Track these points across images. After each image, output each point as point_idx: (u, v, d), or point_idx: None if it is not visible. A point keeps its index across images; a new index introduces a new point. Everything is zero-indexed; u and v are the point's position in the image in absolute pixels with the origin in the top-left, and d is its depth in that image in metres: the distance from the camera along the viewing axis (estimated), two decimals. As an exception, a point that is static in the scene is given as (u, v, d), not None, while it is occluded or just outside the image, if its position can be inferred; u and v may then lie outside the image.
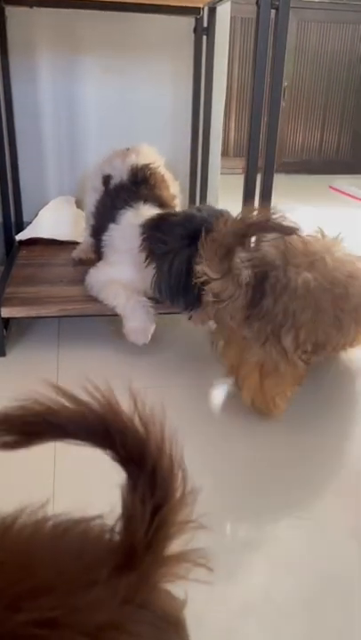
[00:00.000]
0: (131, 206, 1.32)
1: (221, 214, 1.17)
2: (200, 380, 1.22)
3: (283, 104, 3.89)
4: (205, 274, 0.98)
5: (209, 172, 1.85)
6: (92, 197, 1.45)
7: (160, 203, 1.34)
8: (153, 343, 1.28)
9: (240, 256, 0.97)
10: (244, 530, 0.83)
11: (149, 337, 1.26)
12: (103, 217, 1.37)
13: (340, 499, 0.90)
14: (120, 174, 1.39)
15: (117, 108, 1.82)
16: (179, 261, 1.17)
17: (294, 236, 0.99)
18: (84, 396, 0.42)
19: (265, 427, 1.07)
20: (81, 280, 1.37)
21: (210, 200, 1.91)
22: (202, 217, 1.18)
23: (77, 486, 0.90)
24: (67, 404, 0.41)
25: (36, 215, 1.77)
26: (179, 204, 1.47)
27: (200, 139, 1.83)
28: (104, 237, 1.33)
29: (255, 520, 0.85)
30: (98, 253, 1.39)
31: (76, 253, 1.56)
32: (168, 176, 1.45)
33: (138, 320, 1.24)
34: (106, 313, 1.27)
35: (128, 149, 1.46)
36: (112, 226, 1.33)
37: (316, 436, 1.05)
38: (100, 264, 1.35)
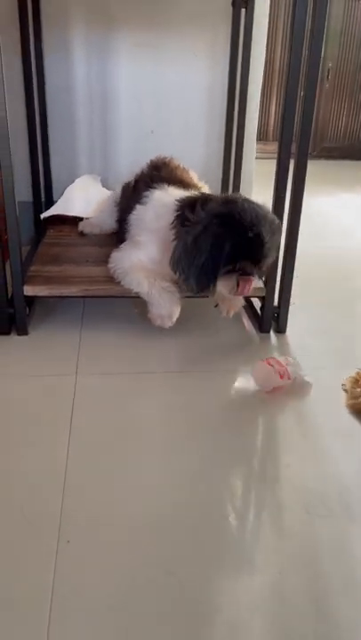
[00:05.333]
0: (155, 188, 1.30)
1: (260, 207, 1.11)
2: (226, 366, 1.19)
3: (326, 85, 3.77)
4: None
5: (243, 155, 1.79)
6: (111, 203, 1.56)
7: (184, 185, 1.32)
8: (179, 327, 1.25)
9: None
10: (256, 525, 0.80)
11: (174, 320, 1.23)
12: (127, 202, 1.38)
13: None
14: (140, 169, 1.45)
15: (151, 86, 1.77)
16: (205, 237, 1.08)
17: None
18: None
19: (288, 413, 1.03)
20: (107, 261, 1.34)
21: (244, 184, 1.84)
22: (242, 205, 1.09)
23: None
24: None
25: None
26: (204, 188, 1.44)
27: (235, 119, 1.77)
28: (130, 217, 1.31)
29: (267, 515, 0.81)
30: (121, 236, 1.38)
31: (82, 226, 1.60)
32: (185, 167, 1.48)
33: (163, 306, 1.22)
34: (130, 294, 1.24)
35: None
36: (139, 206, 1.30)
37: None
38: (123, 246, 1.32)
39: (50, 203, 1.76)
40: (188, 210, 1.14)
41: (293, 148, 1.16)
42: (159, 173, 1.37)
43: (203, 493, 0.84)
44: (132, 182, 1.44)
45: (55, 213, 1.66)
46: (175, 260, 1.13)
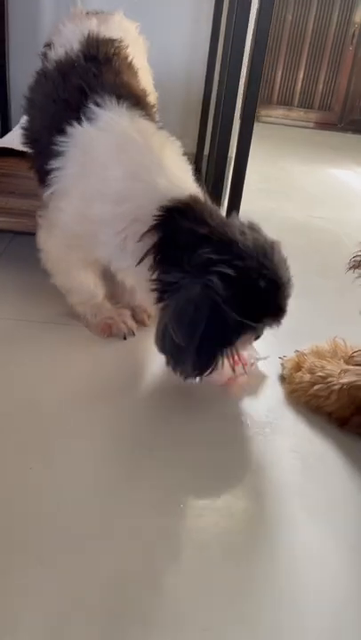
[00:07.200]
0: (98, 104, 0.85)
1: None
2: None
3: (350, 49, 3.49)
4: None
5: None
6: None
7: (135, 100, 0.89)
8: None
9: None
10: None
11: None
12: (44, 115, 0.92)
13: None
14: (68, 43, 0.92)
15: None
16: (198, 304, 0.74)
17: None
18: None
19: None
20: (36, 194, 1.19)
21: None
22: (257, 259, 0.76)
23: None
24: None
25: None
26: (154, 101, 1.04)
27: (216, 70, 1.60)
28: (57, 143, 0.86)
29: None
30: (41, 178, 0.95)
31: None
32: (141, 63, 1.02)
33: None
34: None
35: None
36: (87, 128, 0.84)
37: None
38: (54, 214, 0.91)
39: (6, 131, 1.62)
40: (176, 228, 0.78)
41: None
42: (101, 72, 0.88)
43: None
44: (54, 70, 0.92)
45: (6, 146, 1.53)
46: (160, 334, 0.79)
